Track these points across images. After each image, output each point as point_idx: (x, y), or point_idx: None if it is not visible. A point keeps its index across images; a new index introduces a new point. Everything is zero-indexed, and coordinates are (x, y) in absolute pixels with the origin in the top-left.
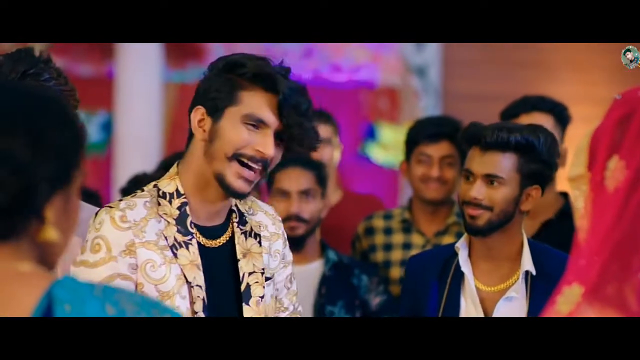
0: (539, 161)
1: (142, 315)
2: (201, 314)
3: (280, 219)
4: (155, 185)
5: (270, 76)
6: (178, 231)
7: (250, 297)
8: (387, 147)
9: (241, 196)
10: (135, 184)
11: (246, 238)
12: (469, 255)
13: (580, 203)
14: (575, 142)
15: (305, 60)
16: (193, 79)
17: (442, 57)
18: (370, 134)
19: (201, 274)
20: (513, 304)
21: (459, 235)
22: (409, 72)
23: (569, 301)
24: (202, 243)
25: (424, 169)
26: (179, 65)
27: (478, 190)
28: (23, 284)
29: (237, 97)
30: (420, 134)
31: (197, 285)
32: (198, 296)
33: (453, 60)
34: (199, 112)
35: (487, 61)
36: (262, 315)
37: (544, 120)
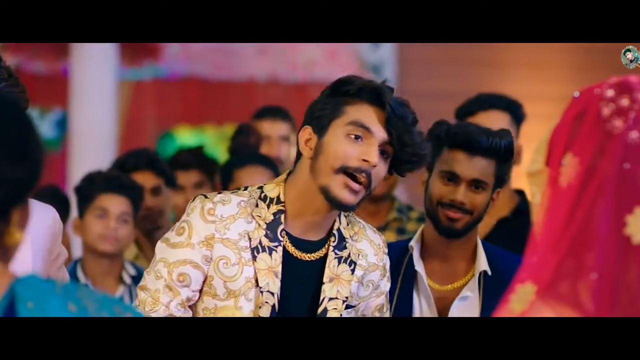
0: (509, 166)
1: (104, 312)
2: None
3: (386, 250)
4: (260, 187)
5: (376, 89)
6: (266, 235)
7: None
8: None
9: (348, 208)
10: (90, 182)
11: (339, 263)
12: (422, 253)
13: (537, 199)
14: (530, 139)
15: (259, 58)
16: (148, 76)
17: (397, 55)
18: None
19: (278, 282)
20: (468, 304)
21: (399, 231)
22: (364, 69)
23: (522, 300)
24: (291, 253)
25: None
26: (134, 63)
27: (464, 195)
28: None
29: (342, 110)
30: None
31: (268, 292)
32: (266, 302)
33: (408, 58)
34: (306, 132)
35: (442, 59)
36: None
37: (501, 117)
